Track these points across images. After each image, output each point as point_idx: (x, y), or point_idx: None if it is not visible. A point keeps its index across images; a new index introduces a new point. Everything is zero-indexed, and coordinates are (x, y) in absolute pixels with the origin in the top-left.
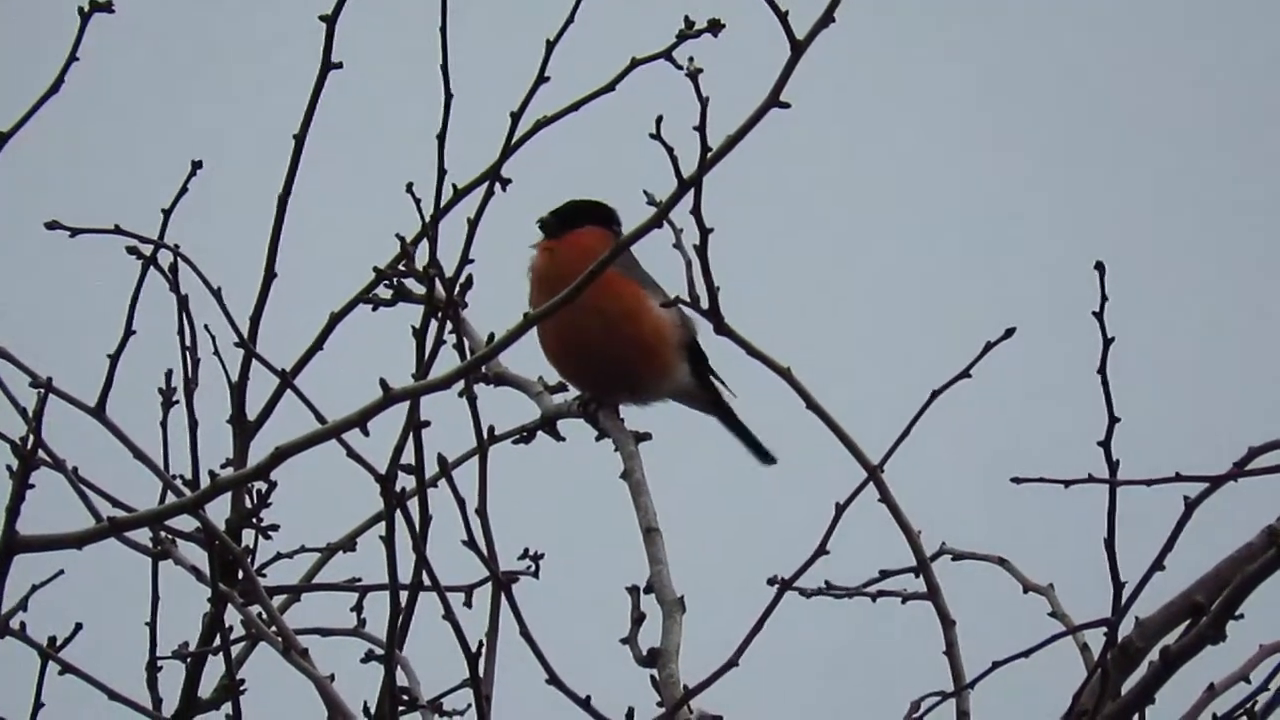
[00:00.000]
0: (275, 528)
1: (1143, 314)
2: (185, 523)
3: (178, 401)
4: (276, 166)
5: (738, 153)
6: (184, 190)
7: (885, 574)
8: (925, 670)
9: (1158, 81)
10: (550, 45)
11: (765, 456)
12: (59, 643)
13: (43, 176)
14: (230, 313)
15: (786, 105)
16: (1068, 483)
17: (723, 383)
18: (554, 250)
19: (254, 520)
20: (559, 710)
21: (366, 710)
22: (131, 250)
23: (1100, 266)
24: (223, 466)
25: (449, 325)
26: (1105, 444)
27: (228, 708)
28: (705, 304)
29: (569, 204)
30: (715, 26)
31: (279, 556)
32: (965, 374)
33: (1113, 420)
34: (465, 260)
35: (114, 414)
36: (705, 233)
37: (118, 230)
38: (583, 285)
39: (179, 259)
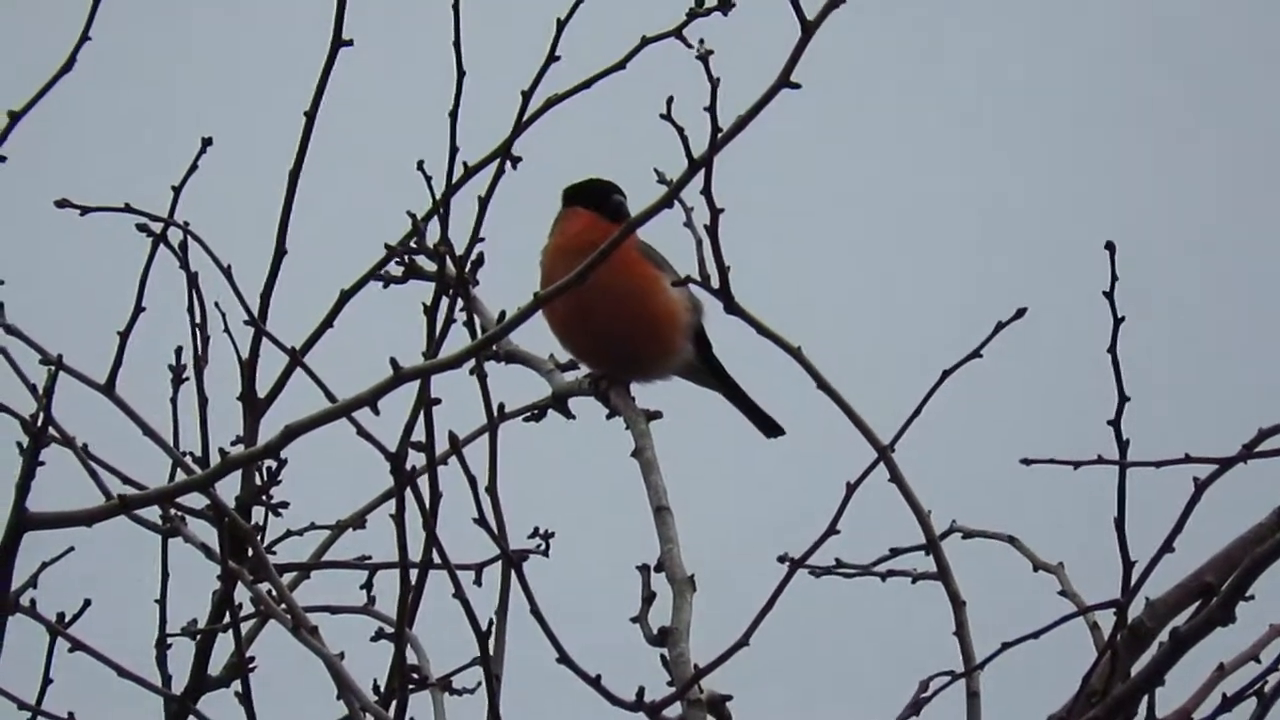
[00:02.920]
0: (285, 505)
1: (1153, 294)
2: (195, 500)
3: (188, 379)
4: (287, 143)
5: (749, 132)
6: (194, 168)
7: (895, 552)
8: (935, 649)
9: (1171, 60)
10: (561, 24)
11: (771, 430)
12: (68, 619)
13: (53, 155)
14: (240, 290)
15: (797, 86)
16: (1077, 464)
17: (722, 365)
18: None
19: (264, 497)
20: (569, 689)
21: (376, 688)
22: (141, 228)
23: (1110, 246)
24: (233, 444)
25: (460, 303)
26: (1115, 424)
27: (237, 685)
28: (716, 283)
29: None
30: (725, 5)
31: (289, 534)
32: (976, 354)
33: (1123, 400)
34: (476, 238)
35: (124, 391)
36: (716, 212)
37: (128, 208)
38: (592, 265)
39: (189, 236)
